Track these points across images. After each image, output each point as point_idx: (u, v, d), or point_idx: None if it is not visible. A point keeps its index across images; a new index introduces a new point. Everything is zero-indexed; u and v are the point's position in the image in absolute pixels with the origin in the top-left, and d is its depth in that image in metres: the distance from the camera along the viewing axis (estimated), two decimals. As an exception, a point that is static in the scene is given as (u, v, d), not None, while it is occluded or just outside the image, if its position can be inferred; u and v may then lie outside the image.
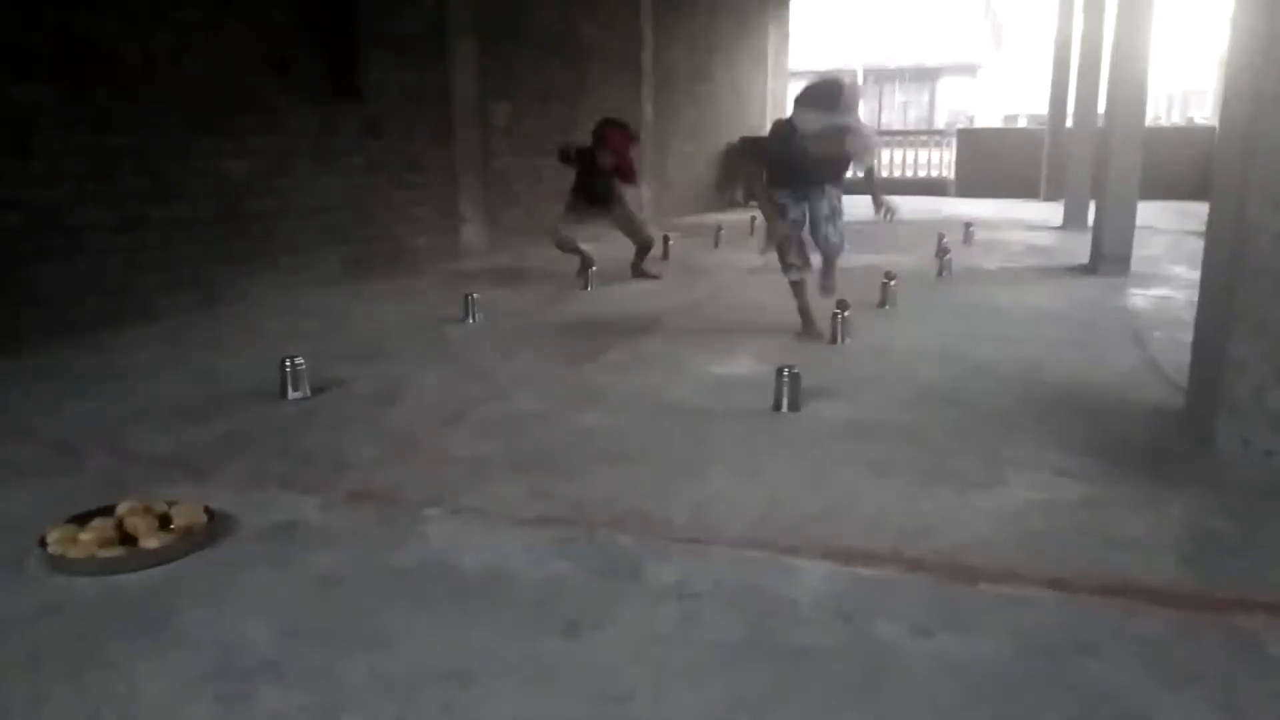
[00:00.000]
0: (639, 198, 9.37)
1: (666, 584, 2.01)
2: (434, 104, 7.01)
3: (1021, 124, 22.78)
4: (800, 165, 4.26)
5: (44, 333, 4.29)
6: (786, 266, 4.47)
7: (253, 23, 5.40)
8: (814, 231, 4.56)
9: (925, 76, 29.59)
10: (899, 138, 17.62)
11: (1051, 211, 10.80)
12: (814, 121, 4.01)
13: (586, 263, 6.00)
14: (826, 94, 4.01)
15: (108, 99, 4.57)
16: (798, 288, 4.52)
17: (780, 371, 3.25)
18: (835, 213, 4.52)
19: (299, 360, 3.43)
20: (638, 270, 6.38)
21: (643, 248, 6.40)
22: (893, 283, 5.26)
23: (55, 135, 4.35)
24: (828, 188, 4.47)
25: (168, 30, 4.87)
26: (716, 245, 8.31)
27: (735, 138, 13.60)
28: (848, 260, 4.93)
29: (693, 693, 1.62)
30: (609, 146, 6.00)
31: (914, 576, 2.04)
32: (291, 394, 3.40)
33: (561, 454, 2.82)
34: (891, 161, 16.40)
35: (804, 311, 4.51)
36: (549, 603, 1.93)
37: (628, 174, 6.26)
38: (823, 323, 4.42)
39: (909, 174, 16.29)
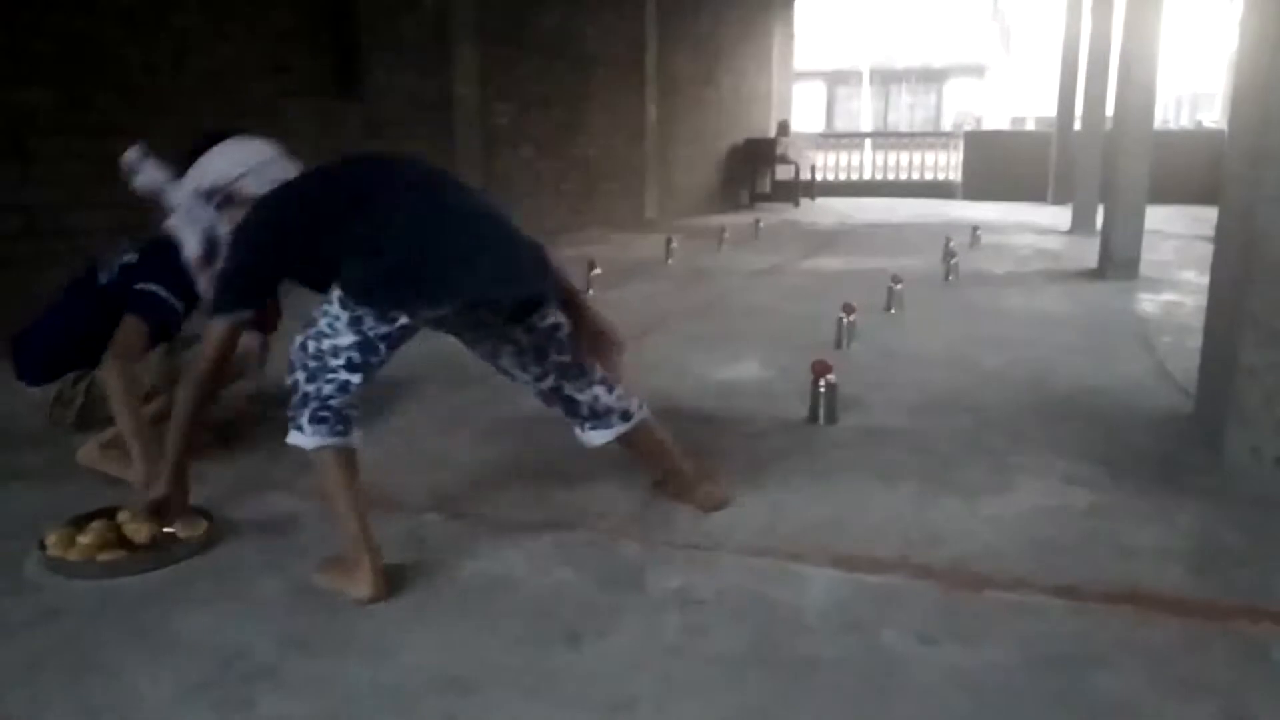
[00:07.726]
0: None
1: (670, 592, 1.99)
2: (435, 106, 7.00)
3: (1029, 126, 22.77)
4: None
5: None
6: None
7: (254, 25, 5.40)
8: None
9: (932, 78, 29.57)
10: (905, 139, 17.60)
11: (1059, 215, 10.76)
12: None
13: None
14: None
15: (108, 102, 4.56)
16: None
17: (817, 383, 3.13)
18: None
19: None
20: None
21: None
22: (899, 286, 5.23)
23: (55, 139, 4.34)
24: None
25: (169, 34, 4.87)
26: (720, 248, 8.29)
27: (740, 140, 13.63)
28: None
29: (697, 702, 1.61)
30: None
31: (921, 584, 2.02)
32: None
33: (564, 460, 2.81)
34: (898, 163, 16.39)
35: None
36: (551, 610, 1.91)
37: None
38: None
39: (915, 176, 16.27)
